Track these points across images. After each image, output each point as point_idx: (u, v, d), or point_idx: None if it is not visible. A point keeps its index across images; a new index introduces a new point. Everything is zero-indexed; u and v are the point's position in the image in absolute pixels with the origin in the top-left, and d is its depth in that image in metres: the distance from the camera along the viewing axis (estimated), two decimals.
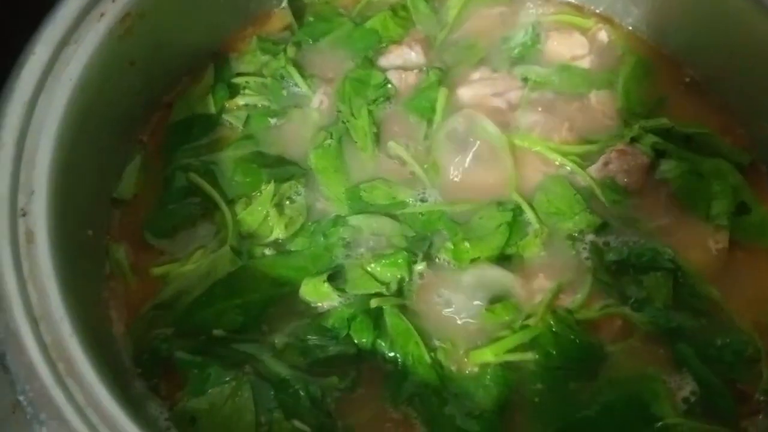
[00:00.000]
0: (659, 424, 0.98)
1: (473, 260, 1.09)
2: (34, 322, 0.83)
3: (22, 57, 0.97)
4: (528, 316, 1.05)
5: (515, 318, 1.06)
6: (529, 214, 1.13)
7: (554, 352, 1.02)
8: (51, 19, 1.00)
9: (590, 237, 1.12)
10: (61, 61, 0.99)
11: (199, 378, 0.98)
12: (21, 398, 0.80)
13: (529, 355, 1.02)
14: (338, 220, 1.14)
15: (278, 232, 1.12)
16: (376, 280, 1.07)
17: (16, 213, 0.88)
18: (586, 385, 1.02)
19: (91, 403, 0.81)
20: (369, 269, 1.07)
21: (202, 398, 0.97)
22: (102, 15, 1.04)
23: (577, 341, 1.03)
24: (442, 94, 1.25)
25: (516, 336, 1.03)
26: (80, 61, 1.00)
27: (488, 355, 1.02)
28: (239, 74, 1.30)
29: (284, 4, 1.37)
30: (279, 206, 1.14)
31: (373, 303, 1.03)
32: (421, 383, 1.00)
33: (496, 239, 1.10)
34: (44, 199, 0.91)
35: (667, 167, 1.18)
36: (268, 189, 1.14)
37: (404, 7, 1.37)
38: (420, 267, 1.09)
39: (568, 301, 1.07)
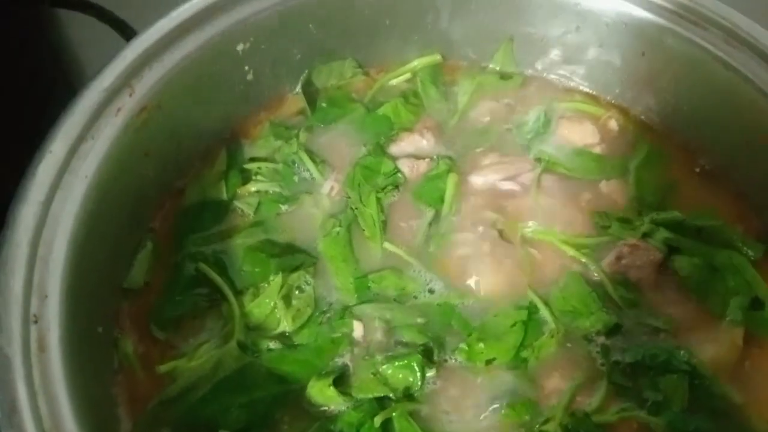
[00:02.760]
0: None
1: (488, 361, 1.07)
2: None
3: (38, 155, 0.96)
4: (546, 420, 1.02)
5: (534, 418, 1.03)
6: (544, 313, 1.11)
7: None
8: (67, 115, 0.99)
9: (604, 338, 1.10)
10: (78, 158, 0.98)
11: None
12: None
13: None
14: (345, 312, 1.12)
15: (285, 325, 1.10)
16: (386, 384, 1.03)
17: (28, 320, 0.85)
18: None
19: None
20: (380, 371, 1.04)
21: None
22: (119, 110, 1.04)
23: None
24: (451, 181, 1.25)
25: None
26: (97, 156, 1.00)
27: None
28: (252, 159, 1.29)
29: (298, 89, 1.37)
30: (287, 297, 1.12)
31: (377, 420, 0.99)
32: None
33: (512, 339, 1.07)
34: (57, 302, 0.88)
35: (680, 263, 1.17)
36: (276, 281, 1.11)
37: (415, 94, 1.38)
38: (432, 372, 1.05)
39: (585, 402, 1.04)
